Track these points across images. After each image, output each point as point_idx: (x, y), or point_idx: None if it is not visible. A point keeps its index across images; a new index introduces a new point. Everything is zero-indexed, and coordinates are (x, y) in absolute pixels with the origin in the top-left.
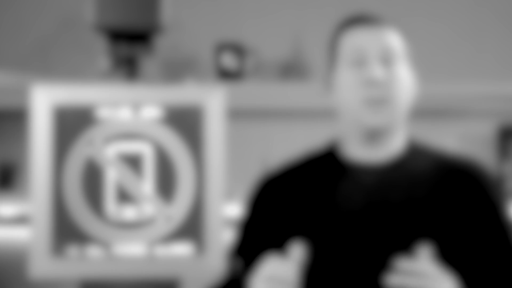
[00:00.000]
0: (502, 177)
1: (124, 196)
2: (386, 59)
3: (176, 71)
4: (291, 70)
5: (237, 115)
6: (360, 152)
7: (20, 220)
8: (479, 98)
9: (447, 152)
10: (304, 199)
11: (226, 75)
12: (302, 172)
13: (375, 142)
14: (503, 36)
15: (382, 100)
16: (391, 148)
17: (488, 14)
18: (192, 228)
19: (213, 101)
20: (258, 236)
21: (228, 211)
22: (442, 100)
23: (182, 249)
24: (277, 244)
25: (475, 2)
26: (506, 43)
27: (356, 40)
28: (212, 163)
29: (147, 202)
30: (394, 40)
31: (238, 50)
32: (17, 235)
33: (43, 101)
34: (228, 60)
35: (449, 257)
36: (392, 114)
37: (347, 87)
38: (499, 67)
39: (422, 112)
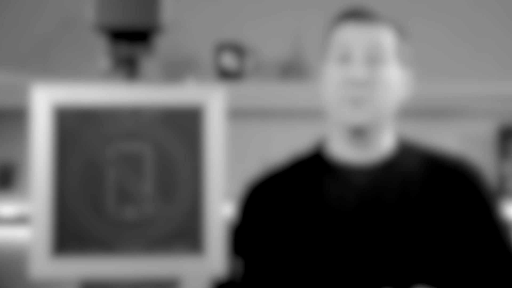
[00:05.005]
0: (502, 177)
1: (124, 196)
2: (373, 58)
3: (176, 71)
4: (291, 70)
5: (237, 115)
6: (348, 152)
7: (20, 220)
8: (479, 98)
9: (437, 150)
10: (295, 202)
11: (226, 75)
12: (291, 175)
13: (361, 141)
14: (503, 36)
15: (363, 100)
16: (380, 148)
17: (488, 14)
18: (192, 228)
19: (213, 101)
20: (251, 241)
21: (228, 211)
22: (442, 100)
23: (182, 249)
24: (272, 248)
25: (475, 2)
26: (506, 43)
27: (344, 36)
28: (212, 163)
29: (147, 202)
30: (384, 38)
31: (238, 50)
32: (17, 235)
33: (43, 101)
34: (228, 60)
35: (443, 255)
36: (374, 113)
37: (331, 84)
38: (499, 67)
39: (422, 112)
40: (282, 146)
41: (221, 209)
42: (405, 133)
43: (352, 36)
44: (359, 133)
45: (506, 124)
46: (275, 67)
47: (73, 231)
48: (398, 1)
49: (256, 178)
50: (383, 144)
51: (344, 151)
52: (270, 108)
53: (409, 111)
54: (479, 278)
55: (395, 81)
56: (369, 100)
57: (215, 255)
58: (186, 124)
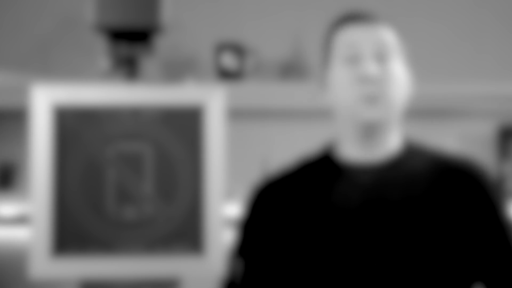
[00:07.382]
0: (502, 177)
1: (124, 196)
2: (381, 55)
3: (176, 71)
4: (291, 70)
5: (237, 115)
6: (356, 152)
7: (20, 220)
8: (479, 98)
9: (443, 152)
10: (302, 202)
11: (226, 75)
12: (299, 176)
13: (371, 140)
14: (503, 36)
15: (377, 97)
16: (387, 147)
17: (488, 14)
18: (192, 228)
19: (213, 101)
20: (258, 241)
21: (228, 211)
22: (442, 100)
23: (182, 249)
24: (278, 247)
25: (475, 2)
26: (506, 43)
27: (350, 37)
28: (212, 163)
29: (147, 202)
30: (388, 36)
31: (238, 50)
32: (17, 235)
33: (43, 101)
34: (228, 60)
35: (447, 254)
36: (387, 109)
37: (342, 84)
38: (499, 67)
39: (422, 112)
40: (282, 146)
41: (221, 209)
42: (405, 133)
43: (359, 36)
44: (372, 131)
45: (506, 124)
46: (275, 67)
47: (73, 231)
48: (398, 1)
49: (264, 179)
50: (390, 144)
51: (352, 150)
52: (270, 108)
53: (409, 111)
54: (485, 277)
55: (403, 77)
56: (382, 96)
57: (215, 255)
58: (186, 124)
